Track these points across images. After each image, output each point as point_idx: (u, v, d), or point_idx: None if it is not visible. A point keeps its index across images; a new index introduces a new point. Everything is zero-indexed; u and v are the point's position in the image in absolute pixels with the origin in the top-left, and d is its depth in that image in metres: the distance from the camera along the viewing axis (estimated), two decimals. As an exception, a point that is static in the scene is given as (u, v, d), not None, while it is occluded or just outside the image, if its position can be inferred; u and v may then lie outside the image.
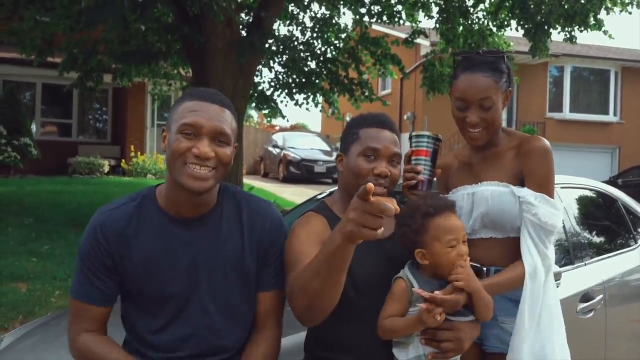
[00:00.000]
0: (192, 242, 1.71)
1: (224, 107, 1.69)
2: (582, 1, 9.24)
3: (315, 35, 11.09)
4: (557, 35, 10.04)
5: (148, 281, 1.69)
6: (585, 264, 3.19)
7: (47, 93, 16.07)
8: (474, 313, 1.81)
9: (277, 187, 15.98)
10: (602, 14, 9.52)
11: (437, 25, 10.57)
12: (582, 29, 9.59)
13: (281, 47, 9.91)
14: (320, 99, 11.48)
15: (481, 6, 10.48)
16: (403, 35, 11.82)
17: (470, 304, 1.78)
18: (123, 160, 15.76)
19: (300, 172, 17.82)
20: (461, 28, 10.53)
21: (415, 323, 1.69)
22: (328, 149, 19.18)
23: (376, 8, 10.69)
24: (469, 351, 1.93)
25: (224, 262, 1.72)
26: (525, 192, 1.95)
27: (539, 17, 9.55)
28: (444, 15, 10.35)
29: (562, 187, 3.15)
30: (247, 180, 14.41)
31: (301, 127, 37.48)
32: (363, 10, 10.74)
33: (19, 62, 12.96)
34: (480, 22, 10.74)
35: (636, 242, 3.74)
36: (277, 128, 28.93)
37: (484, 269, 2.00)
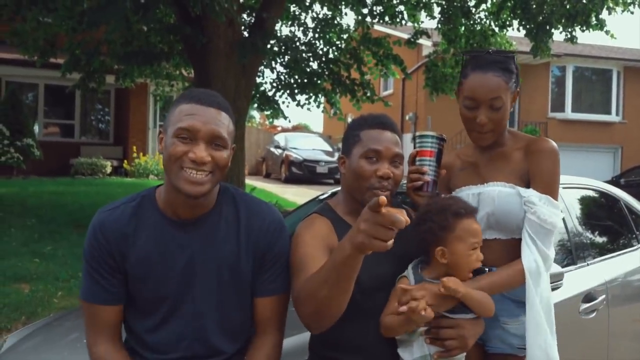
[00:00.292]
0: (189, 243, 1.71)
1: (220, 109, 1.67)
2: (584, 1, 9.23)
3: (317, 35, 11.09)
4: (558, 35, 10.04)
5: (145, 281, 1.70)
6: (588, 264, 3.18)
7: (49, 94, 16.11)
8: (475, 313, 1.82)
9: (279, 187, 15.98)
10: (604, 14, 9.51)
11: (439, 26, 10.56)
12: (584, 28, 9.58)
13: (283, 47, 9.92)
14: (322, 99, 11.49)
15: (483, 6, 10.47)
16: (405, 36, 11.82)
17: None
18: (125, 161, 15.77)
19: (302, 172, 17.82)
20: (463, 28, 10.52)
21: (407, 321, 1.68)
22: (330, 149, 19.17)
23: (378, 8, 10.69)
24: (472, 352, 1.93)
25: (220, 264, 1.72)
26: (530, 193, 1.95)
27: (540, 17, 9.54)
28: (446, 15, 10.34)
29: (564, 188, 3.15)
30: (249, 181, 14.42)
31: (303, 127, 37.52)
32: (365, 11, 10.74)
33: (22, 63, 12.97)
34: (482, 22, 10.73)
35: (638, 242, 3.73)
36: (279, 129, 28.92)
37: (486, 269, 2.00)
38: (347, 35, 11.42)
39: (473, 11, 10.45)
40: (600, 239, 3.64)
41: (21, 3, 7.73)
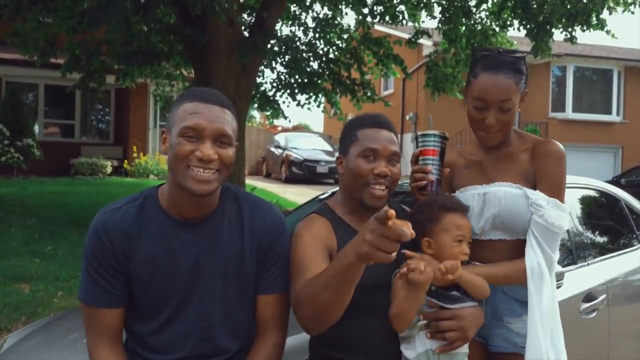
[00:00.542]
0: (194, 243, 1.70)
1: (224, 107, 1.68)
2: (585, 1, 9.22)
3: (317, 35, 11.08)
4: (559, 35, 10.03)
5: (150, 282, 1.69)
6: (588, 264, 3.18)
7: (49, 94, 16.12)
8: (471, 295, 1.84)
9: (280, 187, 15.98)
10: (605, 14, 9.50)
11: (440, 26, 10.55)
12: (585, 28, 9.57)
13: (283, 47, 9.91)
14: (322, 99, 11.48)
15: (484, 6, 10.46)
16: (405, 36, 11.81)
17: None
18: (126, 161, 15.78)
19: (303, 172, 17.82)
20: (464, 28, 10.51)
21: (410, 290, 1.70)
22: (330, 149, 19.17)
23: (379, 8, 10.68)
24: (475, 351, 1.94)
25: (225, 264, 1.72)
26: (538, 195, 1.94)
27: (541, 17, 9.54)
28: (447, 15, 10.33)
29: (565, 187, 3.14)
30: (250, 181, 14.42)
31: (303, 127, 37.52)
32: (365, 11, 10.73)
33: (22, 63, 12.98)
34: (483, 22, 10.72)
35: (639, 242, 3.73)
36: (280, 128, 28.93)
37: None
38: (347, 35, 11.41)
39: (474, 11, 10.44)
40: (600, 239, 3.64)
41: (21, 3, 7.73)
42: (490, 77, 1.95)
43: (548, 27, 9.57)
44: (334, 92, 11.03)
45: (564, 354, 1.94)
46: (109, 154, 15.96)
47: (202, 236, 1.71)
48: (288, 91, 10.96)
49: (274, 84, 11.13)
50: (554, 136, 17.12)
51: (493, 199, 1.99)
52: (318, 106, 11.62)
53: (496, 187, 2.01)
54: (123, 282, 1.70)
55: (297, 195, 13.54)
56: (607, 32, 9.75)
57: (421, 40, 11.57)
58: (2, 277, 5.71)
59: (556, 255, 1.96)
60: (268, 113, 11.79)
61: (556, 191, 1.97)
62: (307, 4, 10.67)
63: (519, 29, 10.10)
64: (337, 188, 2.07)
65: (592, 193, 3.71)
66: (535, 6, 9.52)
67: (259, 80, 10.77)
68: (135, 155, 15.61)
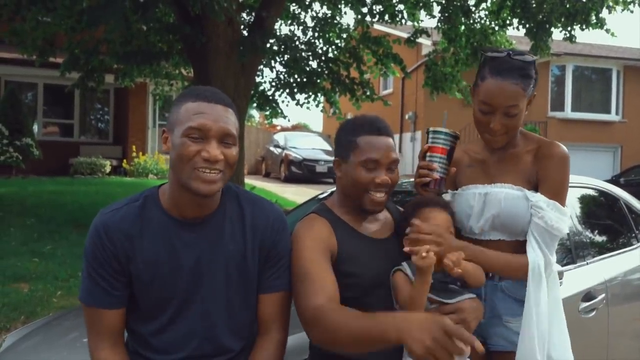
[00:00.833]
0: (196, 243, 1.70)
1: (227, 106, 1.67)
2: (584, 0, 9.23)
3: (316, 34, 11.08)
4: (558, 34, 10.03)
5: (152, 283, 1.68)
6: (588, 263, 3.18)
7: (48, 93, 16.10)
8: (467, 285, 1.86)
9: (279, 187, 15.98)
10: (604, 13, 9.50)
11: (439, 25, 10.56)
12: (584, 27, 9.58)
13: (282, 46, 9.90)
14: (321, 98, 11.48)
15: (483, 5, 10.46)
16: (404, 35, 11.81)
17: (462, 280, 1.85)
18: (125, 161, 15.77)
19: (302, 172, 17.82)
20: (463, 27, 10.51)
21: (417, 276, 1.70)
22: (330, 148, 19.15)
23: (378, 7, 10.68)
24: (474, 350, 1.94)
25: (227, 263, 1.72)
26: (538, 198, 1.94)
27: (540, 16, 9.54)
28: (446, 14, 10.33)
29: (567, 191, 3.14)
30: (249, 180, 14.42)
31: (303, 126, 37.50)
32: (365, 10, 10.74)
33: (21, 63, 12.97)
34: (482, 21, 10.72)
35: (638, 241, 3.73)
36: (279, 128, 28.94)
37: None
38: (346, 34, 11.41)
39: (473, 10, 10.44)
40: (599, 238, 3.64)
41: (21, 3, 7.74)
42: (497, 83, 1.93)
43: (547, 26, 9.57)
44: (333, 91, 11.03)
45: (570, 354, 1.95)
46: (108, 154, 15.95)
47: (204, 236, 1.71)
48: (287, 90, 10.96)
49: (273, 84, 11.13)
50: (553, 136, 17.14)
51: (493, 199, 1.99)
52: (317, 105, 11.62)
53: (497, 188, 2.01)
54: (124, 282, 1.69)
55: (297, 194, 13.55)
56: (607, 31, 9.75)
57: (420, 40, 11.58)
58: (1, 276, 5.72)
59: (553, 258, 1.97)
60: (267, 112, 11.80)
61: (558, 194, 1.97)
62: (307, 3, 10.67)
63: (518, 28, 10.10)
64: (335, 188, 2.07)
65: (591, 192, 3.71)
66: (534, 5, 9.52)
67: (258, 79, 10.77)
68: (134, 154, 15.60)
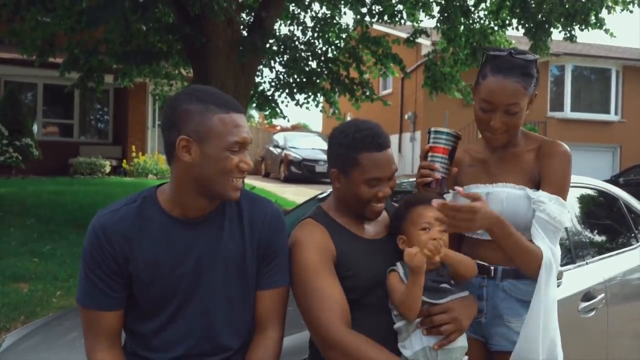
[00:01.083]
0: (197, 243, 1.71)
1: (244, 113, 1.73)
2: (583, 0, 9.23)
3: (316, 35, 11.08)
4: (557, 34, 10.03)
5: (152, 283, 1.68)
6: (587, 263, 3.18)
7: (48, 93, 16.09)
8: (457, 279, 1.87)
9: (279, 187, 15.98)
10: (603, 13, 9.51)
11: (439, 25, 10.56)
12: (583, 27, 9.58)
13: (282, 47, 9.90)
14: (321, 99, 11.48)
15: (482, 5, 10.46)
16: (404, 35, 11.81)
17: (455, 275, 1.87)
18: (124, 161, 15.76)
19: (302, 172, 17.81)
20: (462, 27, 10.52)
21: (410, 276, 1.73)
22: (329, 148, 19.14)
23: (377, 8, 10.68)
24: (475, 350, 1.95)
25: (227, 261, 1.73)
26: (540, 194, 1.95)
27: (539, 16, 9.54)
28: (445, 14, 10.33)
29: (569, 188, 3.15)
30: (248, 180, 14.42)
31: (302, 127, 37.51)
32: (364, 10, 10.74)
33: (21, 63, 12.97)
34: (482, 21, 10.72)
35: (637, 241, 3.73)
36: (278, 128, 28.93)
37: (492, 267, 2.02)
38: (346, 34, 11.41)
39: (472, 10, 10.44)
40: (599, 238, 3.64)
41: (20, 3, 7.73)
42: (498, 80, 1.93)
43: (546, 26, 9.57)
44: (332, 91, 11.03)
45: (560, 354, 1.95)
46: (107, 154, 15.94)
47: (204, 235, 1.72)
48: (287, 90, 10.96)
49: (273, 84, 11.13)
50: (552, 136, 17.10)
51: (495, 199, 1.99)
52: (317, 106, 11.62)
53: (499, 188, 2.01)
54: (122, 284, 1.69)
55: (296, 195, 13.54)
56: (606, 31, 9.75)
57: (419, 40, 11.58)
58: (0, 276, 5.72)
59: (557, 251, 1.96)
60: (267, 112, 11.79)
61: (560, 191, 1.97)
62: (306, 3, 10.67)
63: (517, 28, 10.10)
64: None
65: (591, 192, 3.71)
66: (533, 5, 9.52)
67: (257, 79, 10.77)
68: (134, 154, 15.60)
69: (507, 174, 2.04)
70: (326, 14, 11.08)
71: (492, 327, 2.02)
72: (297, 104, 11.24)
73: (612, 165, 20.64)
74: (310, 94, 11.11)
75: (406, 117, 20.32)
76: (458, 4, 10.16)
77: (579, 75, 20.84)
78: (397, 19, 10.79)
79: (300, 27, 11.26)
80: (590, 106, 20.74)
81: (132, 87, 12.96)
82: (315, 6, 11.05)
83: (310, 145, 19.05)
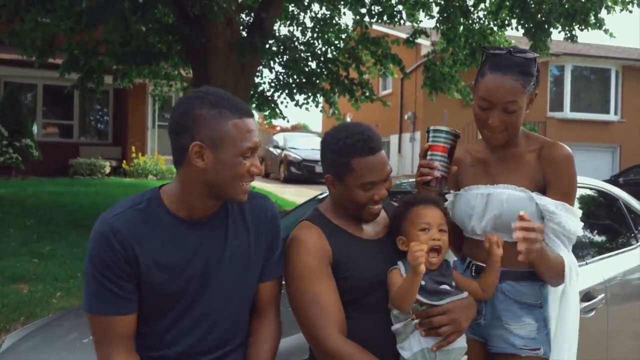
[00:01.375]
0: (203, 242, 1.72)
1: (254, 116, 1.75)
2: (583, 0, 9.23)
3: (315, 35, 11.09)
4: (557, 35, 10.04)
5: (162, 284, 1.68)
6: (587, 263, 3.18)
7: (48, 94, 16.10)
8: (465, 289, 1.88)
9: (278, 187, 15.97)
10: (603, 13, 9.52)
11: (438, 25, 10.57)
12: (583, 27, 9.58)
13: (282, 47, 9.91)
14: (320, 99, 11.48)
15: (482, 6, 10.47)
16: (403, 35, 11.82)
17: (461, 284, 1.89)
18: (124, 162, 15.76)
19: (301, 172, 17.81)
20: (462, 28, 10.52)
21: (409, 272, 1.74)
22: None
23: (376, 8, 10.69)
24: (474, 352, 1.95)
25: (232, 260, 1.75)
26: (545, 201, 1.94)
27: (539, 16, 9.55)
28: (445, 15, 10.34)
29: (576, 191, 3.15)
30: (248, 181, 14.37)
31: (302, 127, 37.52)
32: (363, 11, 10.74)
33: (20, 64, 12.97)
34: (481, 21, 10.73)
35: (637, 241, 3.73)
36: (278, 128, 28.95)
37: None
38: (345, 34, 11.42)
39: (472, 10, 10.45)
40: (599, 238, 3.64)
41: (20, 4, 7.73)
42: (496, 78, 1.92)
43: (546, 26, 9.57)
44: (332, 92, 11.03)
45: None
46: (107, 154, 15.94)
47: (210, 235, 1.73)
48: (286, 91, 10.97)
49: (273, 84, 11.14)
50: (552, 136, 17.11)
51: (496, 200, 1.99)
52: (316, 106, 11.63)
53: (500, 189, 2.01)
54: (134, 285, 1.67)
55: (296, 195, 13.54)
56: (606, 31, 9.75)
57: (419, 40, 11.58)
58: (0, 277, 5.71)
59: (573, 258, 1.99)
60: (266, 113, 11.79)
61: (567, 197, 1.97)
62: (306, 3, 10.67)
63: (517, 29, 10.11)
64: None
65: (590, 192, 3.71)
66: (533, 5, 9.53)
67: (257, 80, 10.77)
68: (133, 155, 15.59)
69: (508, 175, 2.03)
70: (326, 15, 11.09)
71: (492, 329, 2.02)
72: (296, 104, 11.24)
73: (611, 165, 20.65)
74: (309, 94, 11.12)
75: (406, 117, 20.33)
76: (457, 4, 10.16)
77: (578, 75, 20.85)
78: (396, 20, 10.80)
79: (300, 28, 11.27)
80: (590, 106, 20.75)
81: (132, 88, 12.96)
82: (315, 7, 11.06)
83: (310, 146, 19.02)
